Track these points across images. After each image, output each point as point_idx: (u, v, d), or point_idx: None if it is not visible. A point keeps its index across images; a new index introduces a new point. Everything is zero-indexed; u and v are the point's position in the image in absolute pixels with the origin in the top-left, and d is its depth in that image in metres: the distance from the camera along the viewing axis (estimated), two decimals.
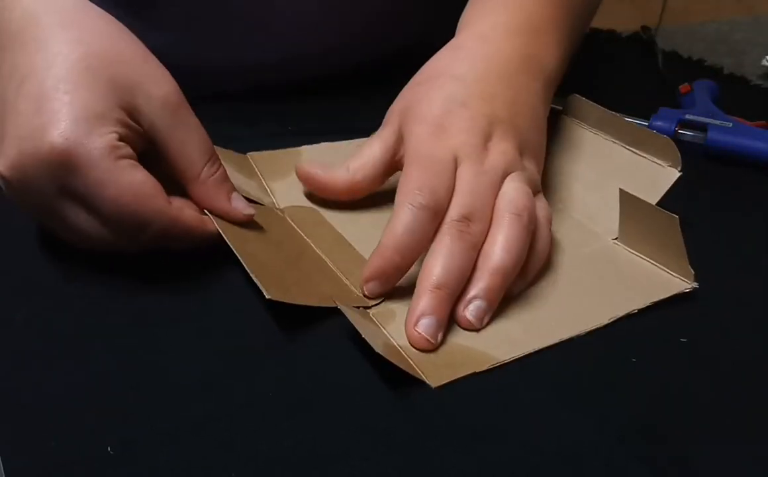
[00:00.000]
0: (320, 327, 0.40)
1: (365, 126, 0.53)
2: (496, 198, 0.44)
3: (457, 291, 0.41)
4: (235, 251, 0.41)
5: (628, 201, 0.47)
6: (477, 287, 0.41)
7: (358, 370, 0.38)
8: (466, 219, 0.42)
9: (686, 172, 0.49)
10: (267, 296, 0.38)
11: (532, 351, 0.39)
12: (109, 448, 0.32)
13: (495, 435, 0.35)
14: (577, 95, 0.54)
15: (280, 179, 0.51)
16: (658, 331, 0.42)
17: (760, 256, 0.50)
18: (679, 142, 0.62)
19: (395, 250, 0.41)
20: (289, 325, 0.40)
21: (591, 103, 0.53)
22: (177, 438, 0.33)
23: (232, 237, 0.42)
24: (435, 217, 0.42)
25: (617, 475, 0.34)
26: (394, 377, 0.37)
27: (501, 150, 0.45)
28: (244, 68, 0.63)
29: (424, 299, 0.40)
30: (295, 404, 0.36)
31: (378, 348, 0.36)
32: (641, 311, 0.43)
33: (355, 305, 0.41)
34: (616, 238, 0.48)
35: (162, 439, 0.33)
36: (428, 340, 0.39)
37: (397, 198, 0.43)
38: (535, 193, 0.46)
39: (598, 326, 0.41)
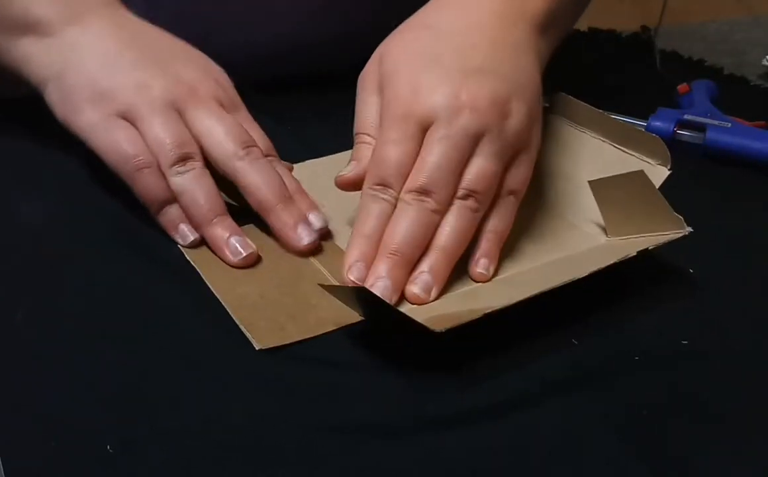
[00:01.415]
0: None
1: None
2: (463, 162, 0.44)
3: (412, 257, 0.42)
4: (222, 301, 0.41)
5: (598, 186, 0.46)
6: (424, 263, 0.42)
7: (357, 371, 0.38)
8: (423, 190, 0.43)
9: (685, 172, 0.49)
10: (257, 347, 0.38)
11: (531, 295, 0.39)
12: (108, 447, 0.32)
13: (494, 432, 0.35)
14: (564, 93, 0.54)
15: None
16: (659, 330, 0.42)
17: (760, 256, 0.50)
18: (678, 142, 0.62)
19: (367, 238, 0.43)
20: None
21: (578, 101, 0.53)
22: (177, 438, 0.33)
23: (220, 281, 0.42)
24: (397, 194, 0.43)
25: (617, 474, 0.34)
26: (391, 377, 0.37)
27: (475, 106, 0.44)
28: (242, 62, 0.62)
29: (381, 263, 0.42)
30: (296, 404, 0.36)
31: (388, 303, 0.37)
32: (642, 311, 0.43)
33: (355, 322, 0.41)
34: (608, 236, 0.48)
35: (162, 439, 0.33)
36: None
37: (365, 182, 0.44)
38: (516, 150, 0.45)
39: (599, 268, 0.41)
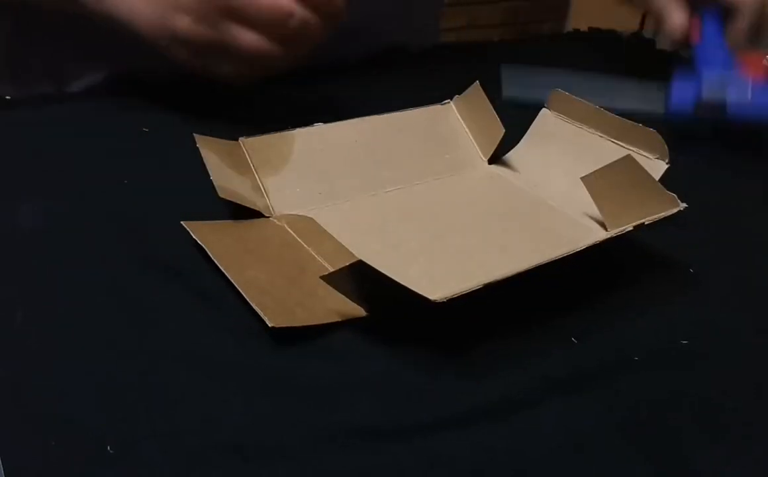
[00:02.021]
0: (321, 331, 0.40)
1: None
2: None
3: None
4: (233, 281, 0.41)
5: (591, 181, 0.47)
6: None
7: (357, 371, 0.38)
8: None
9: (685, 173, 0.48)
10: (270, 324, 0.38)
11: (531, 266, 0.39)
12: (109, 448, 0.32)
13: (494, 432, 0.35)
14: (560, 90, 0.54)
15: (274, 174, 0.51)
16: (659, 330, 0.42)
17: (760, 256, 0.50)
18: (700, 119, 0.62)
19: None
20: (290, 329, 0.40)
21: (575, 98, 0.53)
22: (177, 438, 0.33)
23: (229, 264, 0.42)
24: None
25: (618, 474, 0.34)
26: (390, 377, 0.37)
27: None
28: None
29: None
30: (296, 404, 0.36)
31: (389, 274, 0.37)
32: (642, 311, 0.43)
33: (360, 316, 0.41)
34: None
35: (162, 439, 0.33)
36: None
37: None
38: None
39: (596, 242, 0.41)
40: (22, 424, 0.34)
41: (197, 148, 0.47)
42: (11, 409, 0.34)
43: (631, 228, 0.43)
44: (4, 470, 0.31)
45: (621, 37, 0.87)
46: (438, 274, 0.43)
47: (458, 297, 0.36)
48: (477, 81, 0.55)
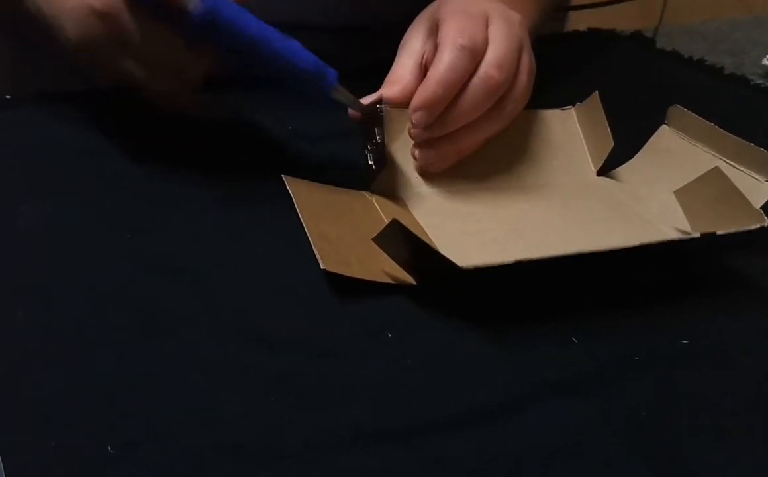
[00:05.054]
0: (322, 330, 0.40)
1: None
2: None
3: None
4: (304, 225, 0.43)
5: (682, 194, 0.46)
6: None
7: (357, 371, 0.38)
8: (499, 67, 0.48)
9: None
10: (322, 266, 0.40)
11: (566, 253, 0.40)
12: (109, 448, 0.32)
13: (494, 432, 0.35)
14: (679, 106, 0.54)
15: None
16: (659, 330, 0.42)
17: (760, 256, 0.50)
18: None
19: (438, 84, 0.47)
20: (287, 328, 0.40)
21: (692, 115, 0.53)
22: (177, 438, 0.33)
23: (307, 215, 0.44)
24: (473, 57, 0.48)
25: (617, 474, 0.34)
26: (390, 377, 0.37)
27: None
28: None
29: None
30: (296, 404, 0.36)
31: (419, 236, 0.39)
32: (642, 311, 0.43)
33: (411, 284, 0.42)
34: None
35: (162, 439, 0.33)
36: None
37: (440, 42, 0.48)
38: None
39: (651, 241, 0.43)
40: (22, 424, 0.34)
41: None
42: (11, 409, 0.34)
43: (698, 235, 0.43)
44: (4, 470, 0.31)
45: (620, 37, 0.87)
46: (490, 255, 0.43)
47: (488, 275, 0.38)
48: (596, 91, 0.55)
